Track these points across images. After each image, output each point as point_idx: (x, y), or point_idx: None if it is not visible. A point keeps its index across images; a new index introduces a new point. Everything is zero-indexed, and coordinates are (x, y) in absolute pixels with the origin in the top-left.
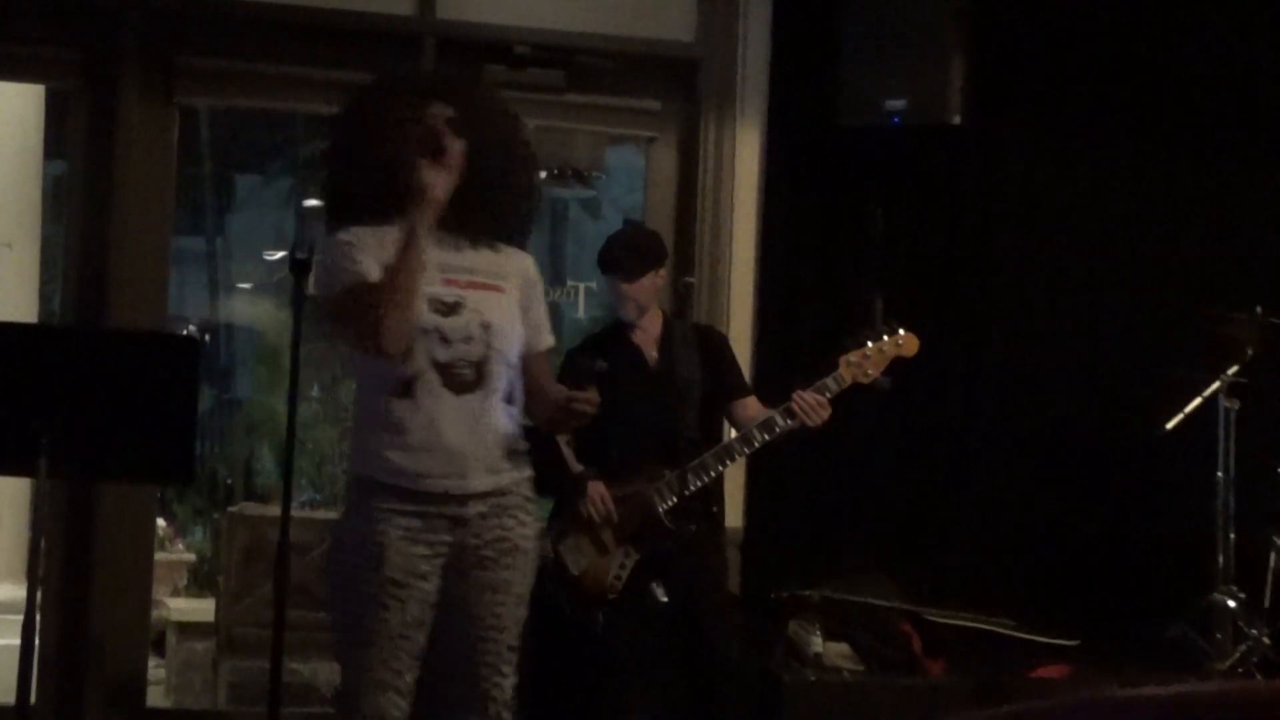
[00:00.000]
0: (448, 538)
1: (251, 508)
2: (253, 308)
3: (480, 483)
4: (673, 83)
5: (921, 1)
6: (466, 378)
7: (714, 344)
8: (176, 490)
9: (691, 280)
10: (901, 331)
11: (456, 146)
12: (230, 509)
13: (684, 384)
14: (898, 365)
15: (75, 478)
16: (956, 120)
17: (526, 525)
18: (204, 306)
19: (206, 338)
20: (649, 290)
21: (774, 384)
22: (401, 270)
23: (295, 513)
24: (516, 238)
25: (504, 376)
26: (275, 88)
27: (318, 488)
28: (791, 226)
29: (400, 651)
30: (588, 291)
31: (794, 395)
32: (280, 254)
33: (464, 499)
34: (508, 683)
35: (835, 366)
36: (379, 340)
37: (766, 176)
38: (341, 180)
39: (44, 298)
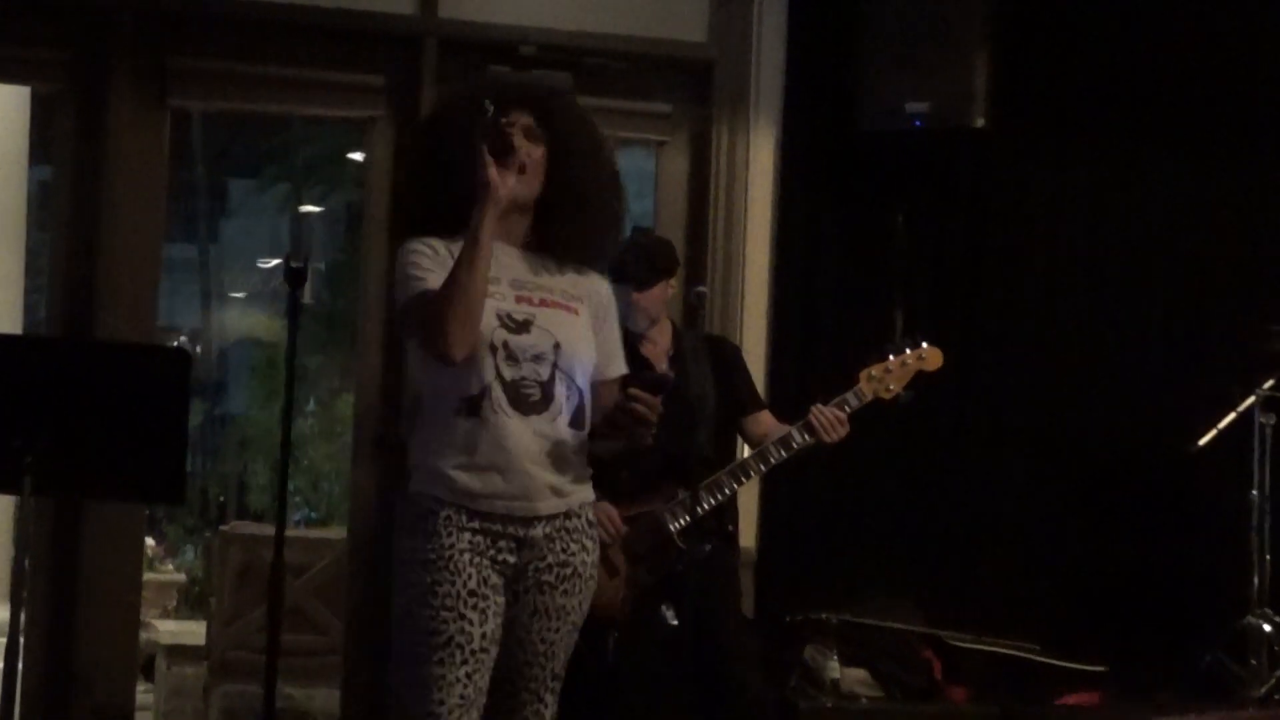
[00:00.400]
0: (511, 559)
1: (244, 526)
2: (246, 318)
3: (546, 505)
4: (684, 84)
5: (945, 1)
6: (533, 397)
7: (727, 356)
8: (166, 509)
9: (704, 290)
10: (924, 344)
11: (535, 153)
12: (222, 528)
13: (696, 398)
14: (920, 379)
15: (61, 495)
16: (981, 123)
17: (589, 551)
18: (195, 316)
19: (198, 349)
20: (659, 300)
21: (790, 399)
22: (464, 269)
23: (290, 532)
24: (598, 264)
25: (572, 399)
26: (271, 90)
27: (313, 506)
28: (808, 234)
29: (483, 667)
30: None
31: (812, 410)
32: (275, 262)
33: (529, 520)
34: (548, 713)
35: (855, 381)
36: (443, 344)
37: (782, 182)
38: (414, 188)
39: (29, 308)
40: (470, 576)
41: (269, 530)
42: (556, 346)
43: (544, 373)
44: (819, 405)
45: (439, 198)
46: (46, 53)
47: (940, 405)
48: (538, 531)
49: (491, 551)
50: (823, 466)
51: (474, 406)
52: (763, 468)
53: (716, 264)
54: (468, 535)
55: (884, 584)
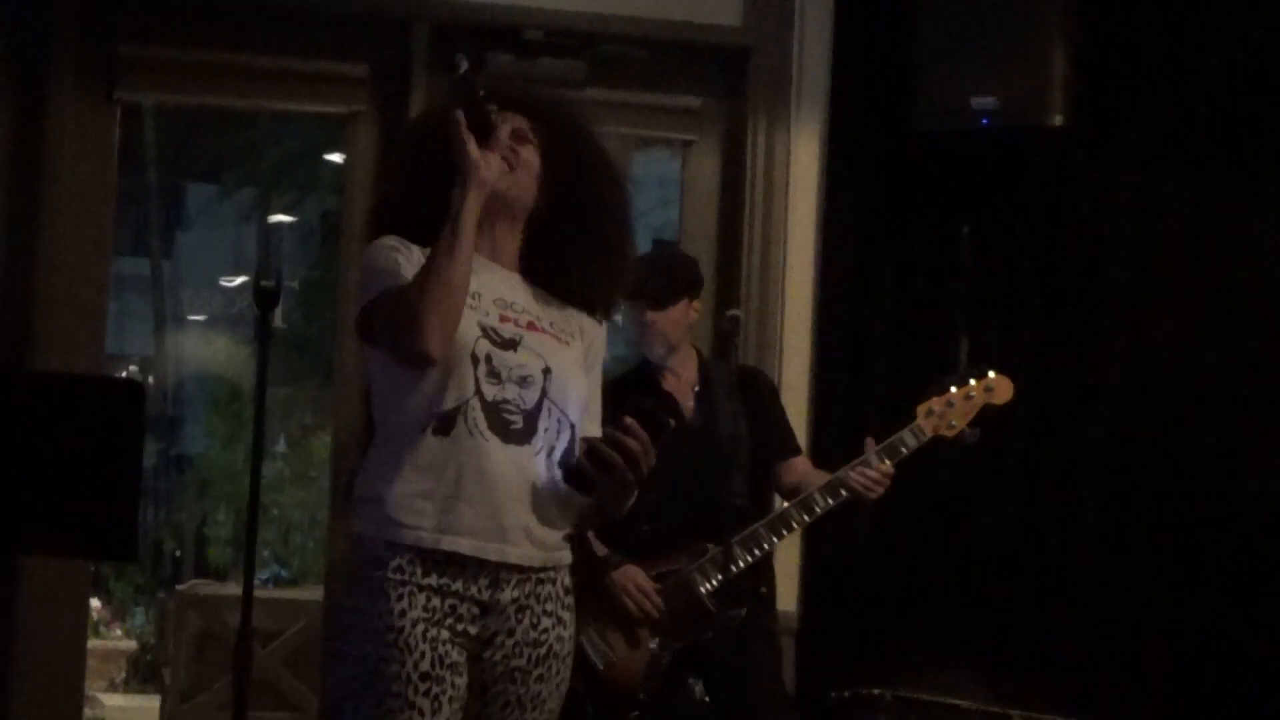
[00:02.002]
0: (473, 629)
1: (204, 586)
2: (206, 344)
3: (519, 551)
4: (715, 76)
5: None
6: (514, 425)
7: (762, 392)
8: (114, 566)
9: (737, 314)
10: (991, 375)
11: (524, 153)
12: (179, 587)
13: (728, 440)
14: (987, 415)
15: None
16: (1058, 121)
17: (566, 625)
18: (147, 342)
19: (150, 380)
20: (679, 322)
21: (837, 438)
22: (443, 254)
23: (258, 592)
24: (597, 309)
25: (561, 436)
26: (236, 81)
27: (283, 562)
28: (857, 249)
29: None
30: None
31: (867, 445)
32: (240, 280)
33: (497, 573)
34: None
35: (912, 418)
36: (418, 339)
37: (828, 189)
38: (395, 191)
39: None
40: (424, 655)
41: (232, 590)
42: (546, 371)
43: (530, 399)
44: (858, 470)
45: (422, 203)
46: None
47: (1010, 446)
48: (505, 595)
49: (450, 620)
50: (872, 517)
51: (447, 424)
52: (806, 519)
53: (752, 283)
54: (423, 598)
55: (943, 653)
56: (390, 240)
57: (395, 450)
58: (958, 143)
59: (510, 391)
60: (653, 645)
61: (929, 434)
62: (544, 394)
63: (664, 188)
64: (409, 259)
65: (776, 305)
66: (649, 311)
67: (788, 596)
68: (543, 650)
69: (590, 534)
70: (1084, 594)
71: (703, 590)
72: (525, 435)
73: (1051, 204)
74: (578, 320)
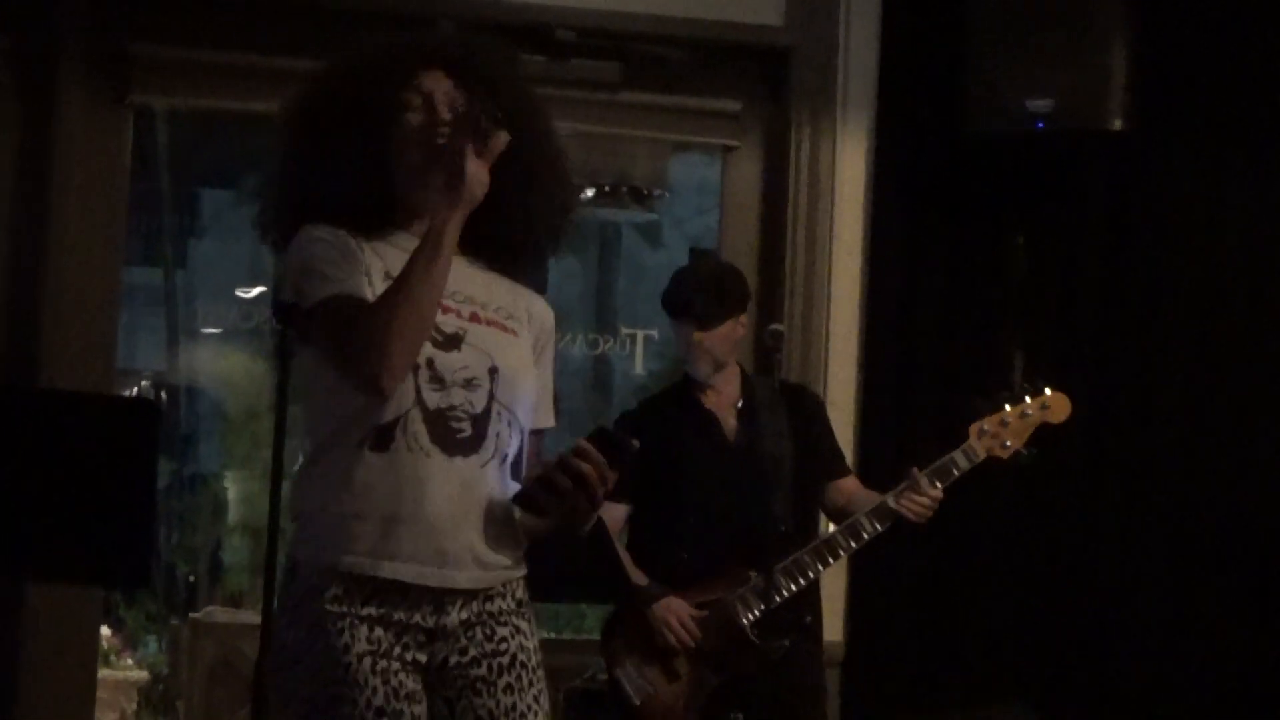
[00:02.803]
0: (422, 657)
1: (219, 613)
2: (222, 359)
3: (465, 576)
4: (757, 77)
5: None
6: (462, 434)
7: (807, 409)
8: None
9: (780, 328)
10: (1048, 392)
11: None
12: (193, 615)
13: (771, 460)
14: (1043, 435)
15: (1, 577)
16: (1118, 125)
17: (526, 635)
18: (160, 356)
19: (163, 395)
20: (728, 341)
21: (885, 459)
22: (419, 279)
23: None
24: (532, 270)
25: (512, 441)
26: (253, 83)
27: None
28: (906, 259)
29: None
30: (647, 340)
31: (913, 472)
32: (258, 290)
33: (442, 599)
34: None
35: (964, 437)
36: (379, 368)
37: (875, 195)
38: (313, 166)
39: None
40: (375, 690)
41: (250, 618)
42: (494, 371)
43: (478, 403)
44: (906, 495)
45: (347, 181)
46: None
47: (1067, 467)
48: (451, 618)
49: (398, 649)
50: (921, 543)
51: (384, 438)
52: (853, 545)
53: (795, 296)
54: (365, 630)
55: (995, 685)
56: (320, 231)
57: (329, 466)
58: (1011, 147)
59: (456, 396)
60: (693, 679)
61: (982, 454)
62: (492, 396)
63: (701, 194)
64: (345, 256)
65: (821, 319)
66: (697, 333)
67: (833, 625)
68: (505, 659)
69: (628, 562)
70: (1144, 624)
71: (745, 621)
72: (473, 443)
73: (1110, 211)
74: (526, 301)
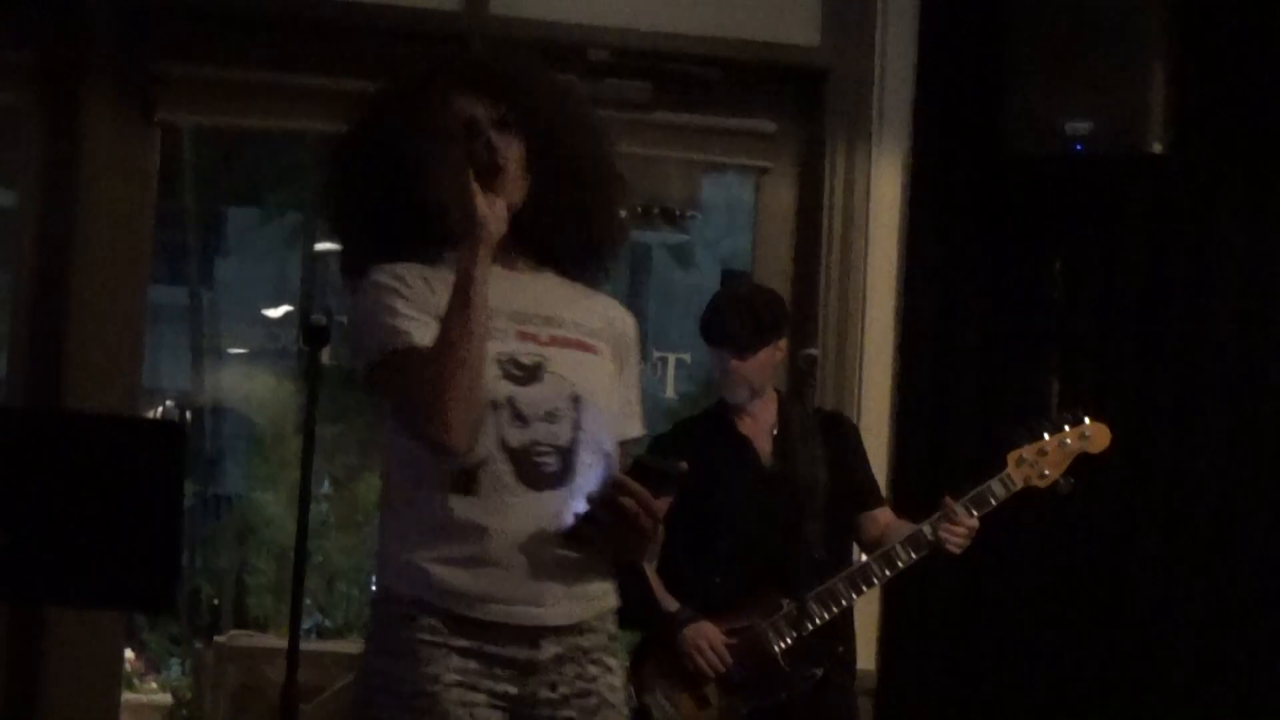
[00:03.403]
0: (512, 689)
1: (244, 637)
2: (247, 380)
3: (559, 612)
4: (791, 98)
5: None
6: (548, 468)
7: (842, 436)
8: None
9: (814, 353)
10: (1087, 421)
11: (513, 152)
12: (217, 638)
13: (806, 487)
14: (1082, 464)
15: (23, 601)
16: (1158, 148)
17: (614, 672)
18: (184, 376)
19: (187, 415)
20: (766, 368)
21: (920, 487)
22: (458, 336)
23: (301, 644)
24: (598, 273)
25: (598, 469)
26: (282, 102)
27: (327, 612)
28: (942, 283)
29: None
30: (678, 363)
31: (946, 501)
32: (284, 309)
33: (536, 635)
34: None
35: (1002, 466)
36: (442, 434)
37: (910, 218)
38: (360, 205)
39: None
40: None
41: (274, 642)
42: (576, 400)
43: (563, 435)
44: (945, 527)
45: (399, 211)
46: (8, 55)
47: (1107, 497)
48: (545, 653)
49: (487, 681)
50: (955, 571)
51: (468, 482)
52: (887, 573)
53: (830, 320)
54: (456, 659)
55: (1028, 715)
56: (383, 277)
57: (415, 508)
58: (1050, 169)
59: (539, 431)
60: (723, 707)
61: (1020, 484)
62: (577, 426)
63: (733, 214)
64: (412, 296)
65: (855, 343)
66: (734, 360)
67: (865, 654)
68: (593, 700)
69: (659, 587)
70: (1182, 654)
71: (776, 649)
72: (562, 476)
73: (1150, 236)
74: (602, 309)
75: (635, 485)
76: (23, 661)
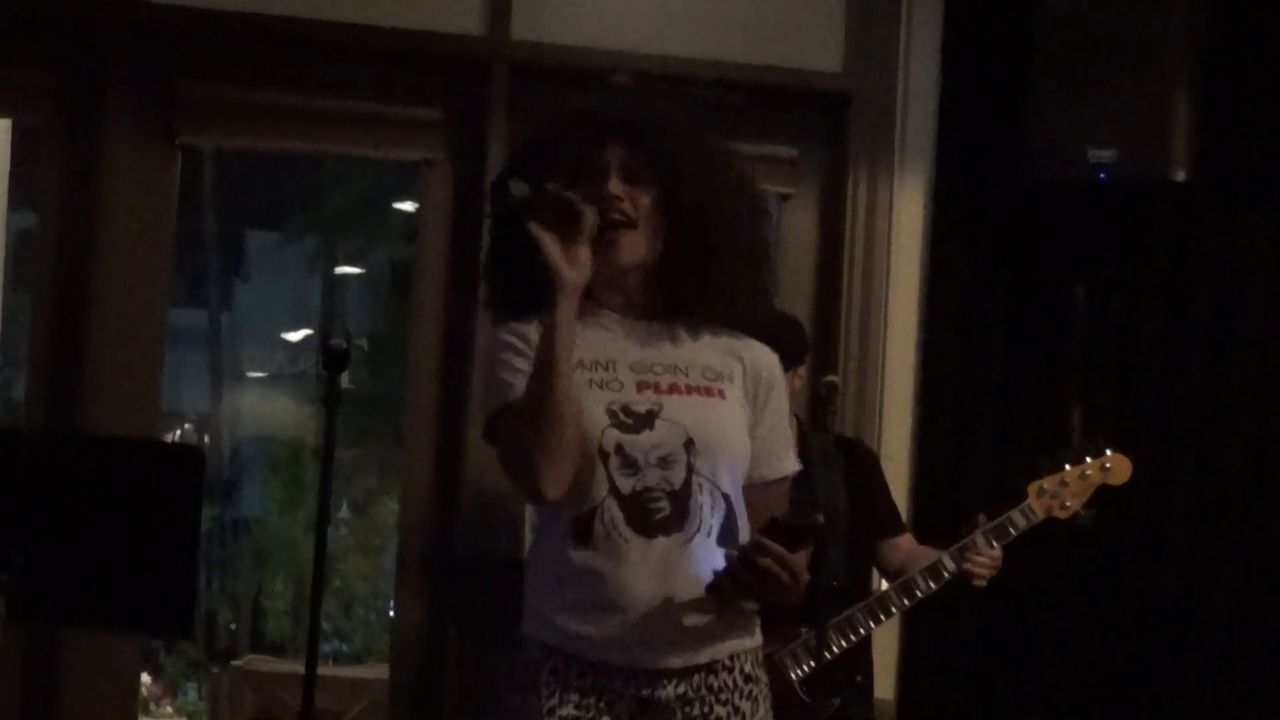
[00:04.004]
0: None
1: (260, 662)
2: (266, 403)
3: (678, 657)
4: (814, 124)
5: (1136, 24)
6: (661, 514)
7: (862, 464)
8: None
9: (835, 380)
10: (1109, 452)
11: (642, 201)
12: (234, 663)
13: (825, 515)
14: (1103, 495)
15: (40, 624)
16: (1181, 175)
17: (746, 715)
18: (203, 400)
19: (206, 439)
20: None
21: (940, 516)
22: (543, 392)
23: (319, 669)
24: (747, 319)
25: (716, 511)
26: (303, 125)
27: (345, 637)
28: (964, 310)
29: None
30: None
31: (977, 521)
32: (303, 333)
33: (656, 676)
34: None
35: (1023, 496)
36: (532, 488)
37: (932, 245)
38: (498, 257)
39: (1, 388)
40: None
41: (291, 667)
42: (689, 444)
43: (675, 479)
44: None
45: (521, 267)
46: (29, 76)
47: (1128, 528)
48: (666, 693)
49: (606, 717)
50: (977, 602)
51: (583, 531)
52: (906, 603)
53: (850, 347)
54: (575, 696)
55: None
56: (507, 335)
57: (545, 558)
58: (1073, 197)
59: (651, 477)
60: None
61: (1040, 515)
62: (691, 470)
63: None
64: (529, 353)
65: (876, 370)
66: None
67: (885, 685)
68: None
69: None
70: (1204, 687)
71: (793, 677)
72: (676, 522)
73: (1174, 264)
74: (741, 351)
75: (773, 546)
76: (39, 685)
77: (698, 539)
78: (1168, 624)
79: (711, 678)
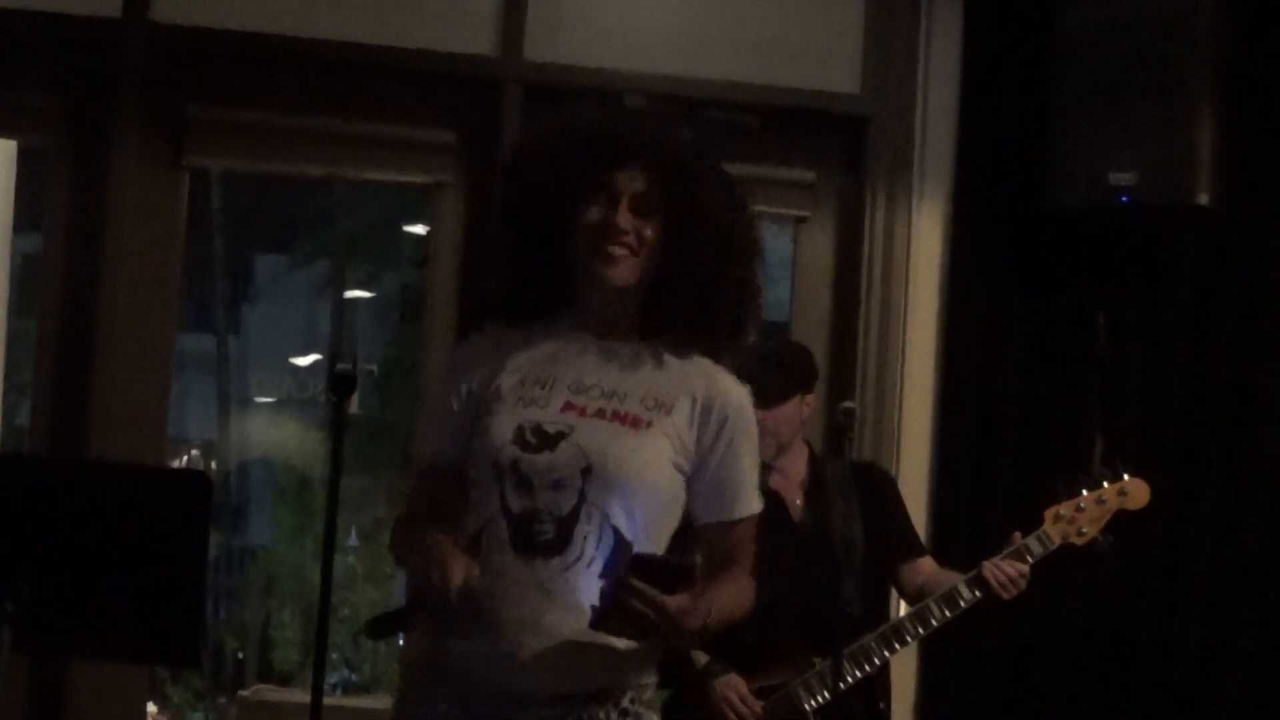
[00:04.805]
0: None
1: (268, 692)
2: (274, 429)
3: (544, 682)
4: (831, 147)
5: (1159, 45)
6: (543, 536)
7: (879, 488)
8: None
9: (852, 406)
10: (1127, 477)
11: (646, 232)
12: (241, 693)
13: (841, 543)
14: (1122, 521)
15: (46, 652)
16: (1204, 200)
17: None
18: (210, 425)
19: (213, 465)
20: (793, 421)
21: (958, 542)
22: (414, 569)
23: (327, 699)
24: (727, 350)
25: (603, 543)
26: (312, 147)
27: (353, 666)
28: (983, 336)
29: None
30: None
31: (984, 564)
32: (312, 358)
33: (519, 700)
34: None
35: (1040, 522)
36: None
37: (951, 270)
38: (487, 261)
39: (6, 412)
40: None
41: (298, 697)
42: (586, 471)
43: (565, 504)
44: (994, 561)
45: (512, 273)
46: (37, 98)
47: (1148, 554)
48: (531, 715)
49: None
50: (996, 629)
51: (472, 545)
52: (921, 631)
53: (868, 372)
54: (443, 708)
55: None
56: (462, 347)
57: None
58: (1094, 221)
59: (543, 499)
60: None
61: (1057, 541)
62: (582, 497)
63: (772, 267)
64: (472, 365)
65: (894, 397)
66: (759, 411)
67: (903, 715)
68: None
69: None
70: (1226, 715)
71: (808, 707)
72: (557, 547)
73: (1197, 290)
74: (697, 383)
75: (638, 585)
76: (45, 714)
77: (577, 567)
78: (1190, 653)
79: (584, 710)
